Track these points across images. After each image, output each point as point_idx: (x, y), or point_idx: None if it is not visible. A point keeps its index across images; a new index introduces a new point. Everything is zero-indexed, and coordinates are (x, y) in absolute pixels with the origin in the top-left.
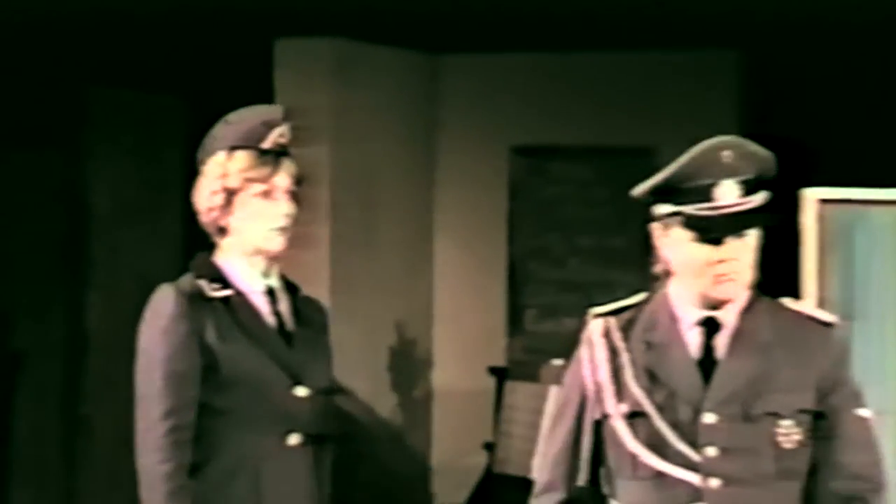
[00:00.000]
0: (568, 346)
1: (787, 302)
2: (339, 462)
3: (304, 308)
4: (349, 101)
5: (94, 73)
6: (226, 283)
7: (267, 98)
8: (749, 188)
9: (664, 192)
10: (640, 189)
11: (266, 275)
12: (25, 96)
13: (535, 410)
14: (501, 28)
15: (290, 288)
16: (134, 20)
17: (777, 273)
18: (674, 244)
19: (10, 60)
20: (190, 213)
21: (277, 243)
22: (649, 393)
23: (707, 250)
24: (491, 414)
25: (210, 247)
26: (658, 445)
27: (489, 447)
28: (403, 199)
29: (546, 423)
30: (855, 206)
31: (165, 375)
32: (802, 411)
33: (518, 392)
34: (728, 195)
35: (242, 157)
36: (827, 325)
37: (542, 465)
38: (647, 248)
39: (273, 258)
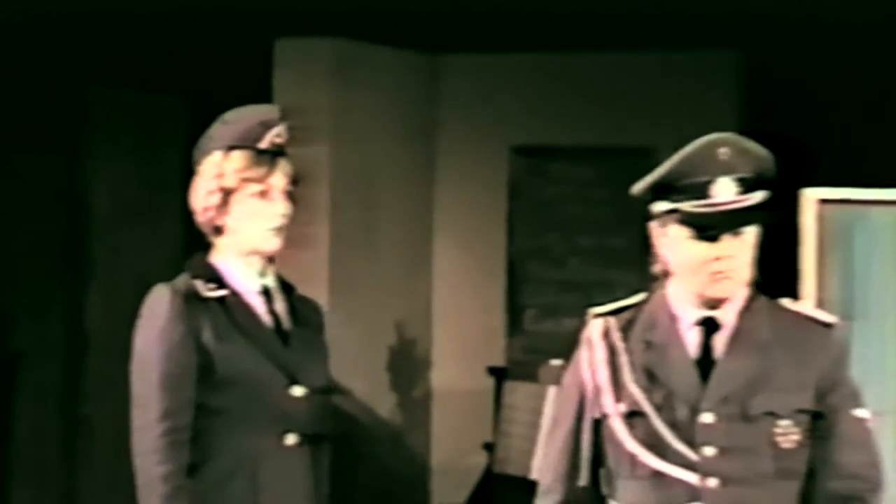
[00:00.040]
0: (567, 347)
1: (787, 302)
2: (339, 462)
3: (301, 308)
4: (349, 101)
5: (94, 73)
6: (222, 283)
7: (267, 98)
8: (747, 186)
9: (662, 190)
10: (638, 186)
11: (262, 274)
12: (25, 96)
13: (535, 410)
14: (501, 28)
15: (286, 288)
16: (134, 20)
17: (777, 273)
18: (671, 242)
19: (10, 60)
20: (190, 213)
21: (274, 243)
22: (648, 392)
23: (703, 248)
24: (490, 414)
25: (208, 246)
26: (656, 445)
27: (489, 447)
28: (403, 199)
29: (546, 423)
30: (855, 207)
31: (161, 376)
32: (801, 411)
33: (517, 392)
34: (725, 192)
35: (239, 157)
36: (827, 325)
37: (543, 466)
38: (646, 248)
39: (269, 258)
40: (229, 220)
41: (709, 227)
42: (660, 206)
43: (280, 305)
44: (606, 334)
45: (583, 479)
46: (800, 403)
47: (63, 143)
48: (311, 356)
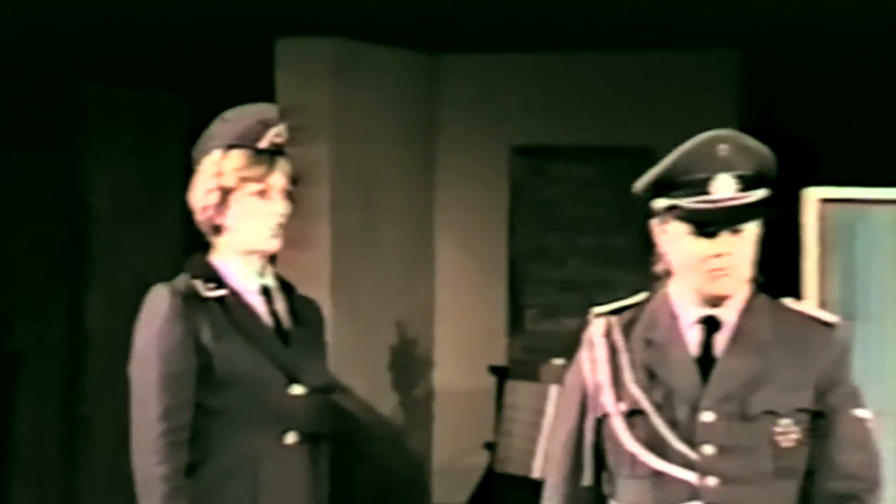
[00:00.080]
0: (568, 346)
1: (789, 302)
2: (340, 462)
3: (301, 307)
4: (349, 100)
5: (94, 73)
6: (221, 283)
7: (267, 98)
8: (747, 184)
9: (662, 187)
10: (639, 183)
11: (261, 274)
12: (25, 96)
13: (536, 410)
14: (501, 28)
15: (286, 287)
16: (134, 20)
17: (778, 273)
18: (671, 239)
19: (10, 60)
20: (190, 213)
21: (273, 244)
22: (648, 391)
23: (702, 244)
24: (492, 413)
25: (208, 246)
26: (656, 444)
27: (490, 446)
28: (403, 199)
29: (548, 423)
30: (856, 206)
31: (160, 376)
32: (801, 410)
33: (519, 391)
34: (724, 189)
35: (238, 156)
36: (828, 325)
37: (546, 466)
38: (647, 248)
39: (269, 257)
40: (228, 220)
41: (707, 224)
42: (660, 203)
43: (280, 305)
44: (608, 333)
45: (587, 479)
46: (800, 402)
47: (63, 143)
48: (311, 355)
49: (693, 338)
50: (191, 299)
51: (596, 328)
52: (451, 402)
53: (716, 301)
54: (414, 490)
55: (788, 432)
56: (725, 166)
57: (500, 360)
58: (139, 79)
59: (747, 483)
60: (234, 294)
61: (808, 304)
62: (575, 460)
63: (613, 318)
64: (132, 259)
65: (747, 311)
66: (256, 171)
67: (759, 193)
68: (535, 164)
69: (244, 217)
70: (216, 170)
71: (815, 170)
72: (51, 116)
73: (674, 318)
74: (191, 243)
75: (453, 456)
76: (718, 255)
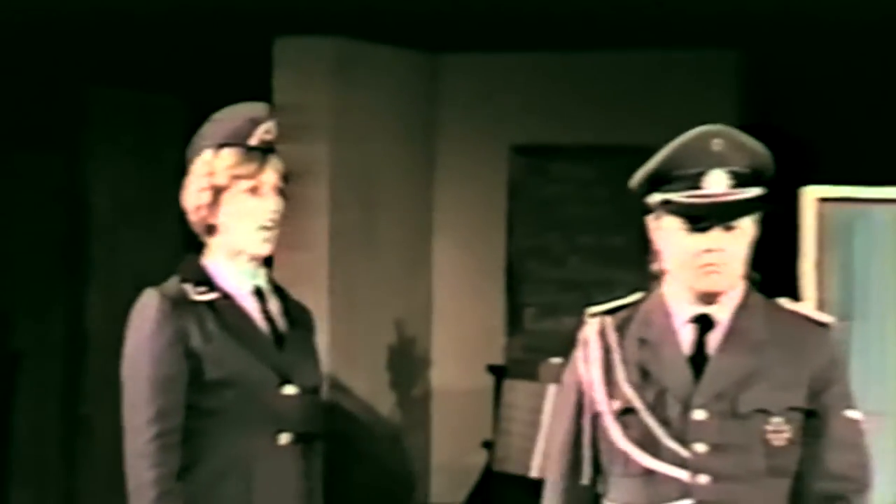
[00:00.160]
0: (567, 345)
1: (784, 302)
2: (339, 461)
3: (293, 309)
4: (349, 100)
5: (94, 73)
6: (212, 286)
7: (267, 97)
8: (740, 180)
9: (656, 181)
10: (634, 178)
11: (254, 276)
12: (25, 96)
13: (535, 409)
14: (501, 27)
15: (278, 289)
16: (134, 20)
17: (776, 272)
18: (665, 234)
19: (10, 60)
20: None
21: (265, 248)
22: (640, 390)
23: (694, 239)
24: (490, 412)
25: (202, 247)
26: (648, 443)
27: (488, 446)
28: (403, 198)
29: (547, 422)
30: (855, 205)
31: (151, 380)
32: (793, 409)
33: (517, 390)
34: (717, 184)
35: (229, 155)
36: (823, 325)
37: (545, 466)
38: (646, 247)
39: (262, 258)
40: (221, 219)
41: (700, 219)
42: (654, 198)
43: (274, 306)
44: (602, 333)
45: (585, 478)
46: (792, 401)
47: (63, 143)
48: (304, 356)
49: (686, 336)
50: (180, 303)
51: (590, 327)
52: (450, 402)
53: (708, 298)
54: (412, 489)
55: (780, 431)
56: (719, 162)
57: (499, 359)
58: (139, 79)
59: (739, 481)
60: (226, 297)
61: (804, 303)
62: (572, 459)
63: (608, 318)
64: (132, 259)
65: (741, 309)
66: (247, 168)
67: (754, 191)
68: (534, 164)
69: (237, 215)
70: (208, 169)
71: (813, 169)
72: (51, 116)
73: (667, 316)
74: (191, 243)
75: (452, 455)
76: (710, 251)
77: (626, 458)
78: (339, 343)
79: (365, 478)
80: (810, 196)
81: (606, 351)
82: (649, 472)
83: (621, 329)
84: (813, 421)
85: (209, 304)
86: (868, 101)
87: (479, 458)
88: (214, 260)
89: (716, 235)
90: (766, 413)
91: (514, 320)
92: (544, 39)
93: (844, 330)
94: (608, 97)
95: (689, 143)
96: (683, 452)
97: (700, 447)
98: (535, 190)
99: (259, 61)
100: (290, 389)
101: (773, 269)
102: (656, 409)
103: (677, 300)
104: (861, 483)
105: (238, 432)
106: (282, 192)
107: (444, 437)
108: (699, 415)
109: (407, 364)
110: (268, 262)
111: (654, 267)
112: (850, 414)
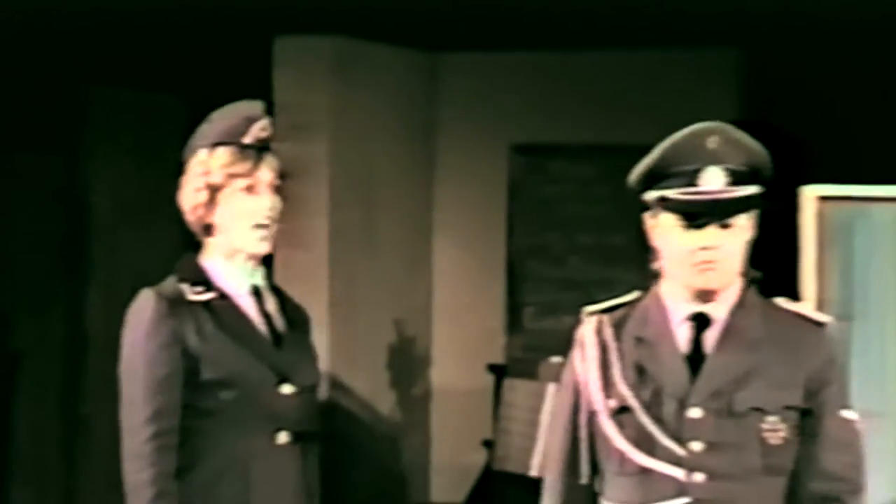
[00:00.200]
0: (567, 345)
1: (781, 301)
2: (338, 460)
3: (289, 309)
4: (349, 99)
5: (94, 73)
6: (209, 286)
7: (267, 96)
8: (737, 178)
9: (653, 179)
10: (632, 175)
11: (252, 275)
12: (25, 96)
13: (534, 408)
14: (501, 26)
15: (275, 289)
16: (134, 20)
17: (776, 271)
18: (662, 232)
19: (10, 60)
20: None
21: (262, 246)
22: (636, 389)
23: (690, 236)
24: (490, 411)
25: (199, 247)
26: (644, 441)
27: (488, 445)
28: (403, 197)
29: (546, 421)
30: (855, 204)
31: (147, 381)
32: (789, 408)
33: (517, 390)
34: (713, 181)
35: (224, 153)
36: (820, 324)
37: (545, 465)
38: (646, 246)
39: (260, 257)
40: (217, 218)
41: (696, 216)
42: (651, 195)
43: (271, 305)
44: (599, 331)
45: (583, 477)
46: (788, 400)
47: (63, 143)
48: (302, 356)
49: (683, 335)
50: (177, 303)
51: (587, 326)
52: (450, 401)
53: (705, 296)
54: (412, 488)
55: (776, 429)
56: (715, 159)
57: (499, 358)
58: (139, 78)
59: (735, 479)
60: (223, 296)
61: (805, 303)
62: (571, 458)
63: (605, 317)
64: (132, 259)
65: (738, 308)
66: (243, 166)
67: (751, 190)
68: (534, 163)
69: (233, 214)
70: (203, 168)
71: (813, 167)
72: (51, 116)
73: (664, 314)
74: (191, 243)
75: (452, 454)
76: (705, 248)
77: (623, 457)
78: (339, 343)
79: (364, 477)
80: (810, 195)
81: (603, 350)
82: (645, 471)
83: (618, 328)
84: (809, 420)
85: (206, 303)
86: (868, 100)
87: (479, 458)
88: (212, 259)
89: (712, 233)
90: (762, 412)
91: (514, 319)
92: (544, 39)
93: (844, 330)
94: (608, 96)
95: (686, 139)
96: (679, 451)
97: (696, 445)
98: (534, 189)
99: (259, 61)
100: (287, 389)
101: (772, 268)
102: (652, 407)
103: (674, 298)
104: (855, 484)
105: (236, 432)
106: (278, 190)
107: (444, 435)
108: (695, 413)
109: (407, 364)
110: (267, 261)
111: (655, 266)
112: (846, 414)
